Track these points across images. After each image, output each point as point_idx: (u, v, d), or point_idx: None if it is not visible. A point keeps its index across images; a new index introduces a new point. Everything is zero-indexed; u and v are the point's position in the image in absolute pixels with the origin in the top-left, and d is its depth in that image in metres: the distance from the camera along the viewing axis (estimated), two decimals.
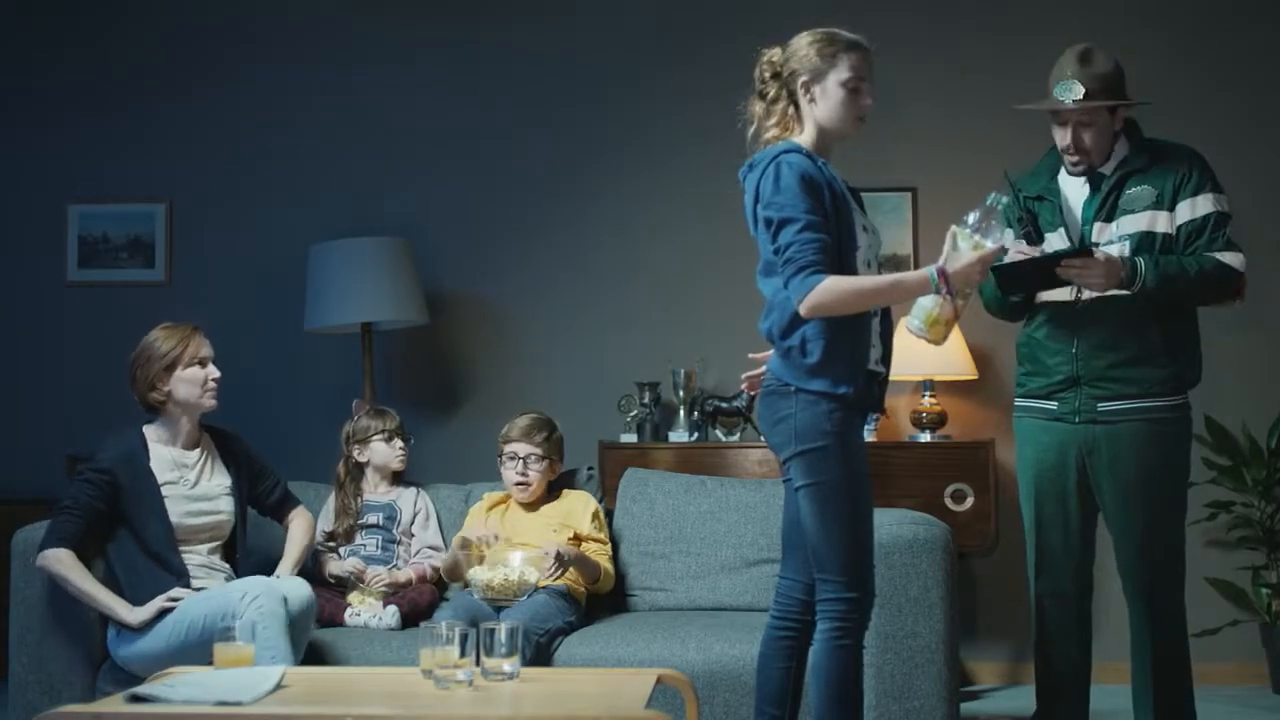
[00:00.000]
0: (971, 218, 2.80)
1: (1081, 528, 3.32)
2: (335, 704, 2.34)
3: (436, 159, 5.26)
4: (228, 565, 3.41)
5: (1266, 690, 4.64)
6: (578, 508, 3.73)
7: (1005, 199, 2.87)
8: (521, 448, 3.70)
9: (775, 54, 2.86)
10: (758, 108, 2.87)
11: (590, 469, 4.01)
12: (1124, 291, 3.15)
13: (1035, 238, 3.27)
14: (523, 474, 3.69)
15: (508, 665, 2.46)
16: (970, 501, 4.56)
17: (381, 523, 3.77)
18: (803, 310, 2.67)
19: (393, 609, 3.49)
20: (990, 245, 2.77)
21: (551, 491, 3.79)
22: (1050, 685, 3.36)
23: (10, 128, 5.40)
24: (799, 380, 2.70)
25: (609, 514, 3.87)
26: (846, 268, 2.72)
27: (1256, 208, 4.81)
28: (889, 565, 3.19)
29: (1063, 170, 3.33)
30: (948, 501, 4.54)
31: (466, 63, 5.27)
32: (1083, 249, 3.12)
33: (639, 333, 5.06)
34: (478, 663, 2.44)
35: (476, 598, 3.41)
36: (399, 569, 3.68)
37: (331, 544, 3.75)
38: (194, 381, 3.37)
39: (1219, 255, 3.17)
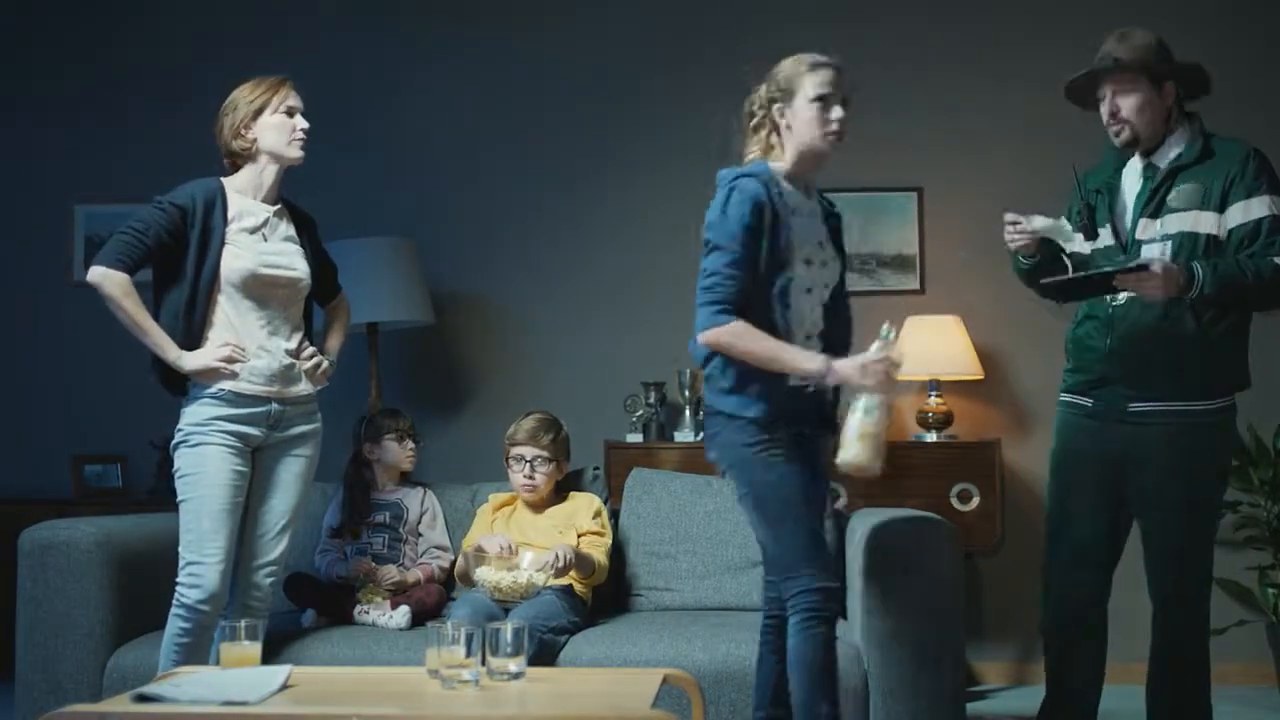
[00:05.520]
0: (875, 346, 2.80)
1: (1107, 529, 3.26)
2: (341, 704, 2.34)
3: (442, 159, 5.26)
4: (300, 336, 3.27)
5: (1273, 690, 4.63)
6: (582, 508, 3.74)
7: (894, 333, 2.83)
8: (528, 450, 3.70)
9: (761, 88, 2.94)
10: (747, 133, 2.97)
11: (596, 469, 4.02)
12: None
13: (1091, 232, 3.23)
14: (529, 476, 3.69)
15: (513, 665, 2.45)
16: (976, 501, 4.55)
17: (388, 521, 3.78)
18: (701, 340, 2.82)
19: (404, 609, 3.49)
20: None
21: (559, 493, 3.79)
22: (1059, 695, 3.34)
23: (17, 129, 5.41)
24: (716, 402, 2.86)
25: (614, 514, 3.87)
26: (772, 298, 2.80)
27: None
28: (895, 565, 3.19)
29: (1127, 164, 3.26)
30: (954, 501, 4.54)
31: (472, 63, 5.28)
32: (1139, 265, 3.01)
33: (645, 332, 5.07)
34: (484, 663, 2.44)
35: (484, 596, 3.44)
36: (406, 568, 3.69)
37: (337, 540, 3.76)
38: (281, 129, 3.19)
39: (1278, 260, 3.04)
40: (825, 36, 5.07)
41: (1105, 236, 3.23)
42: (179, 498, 3.12)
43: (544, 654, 3.21)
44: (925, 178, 5.04)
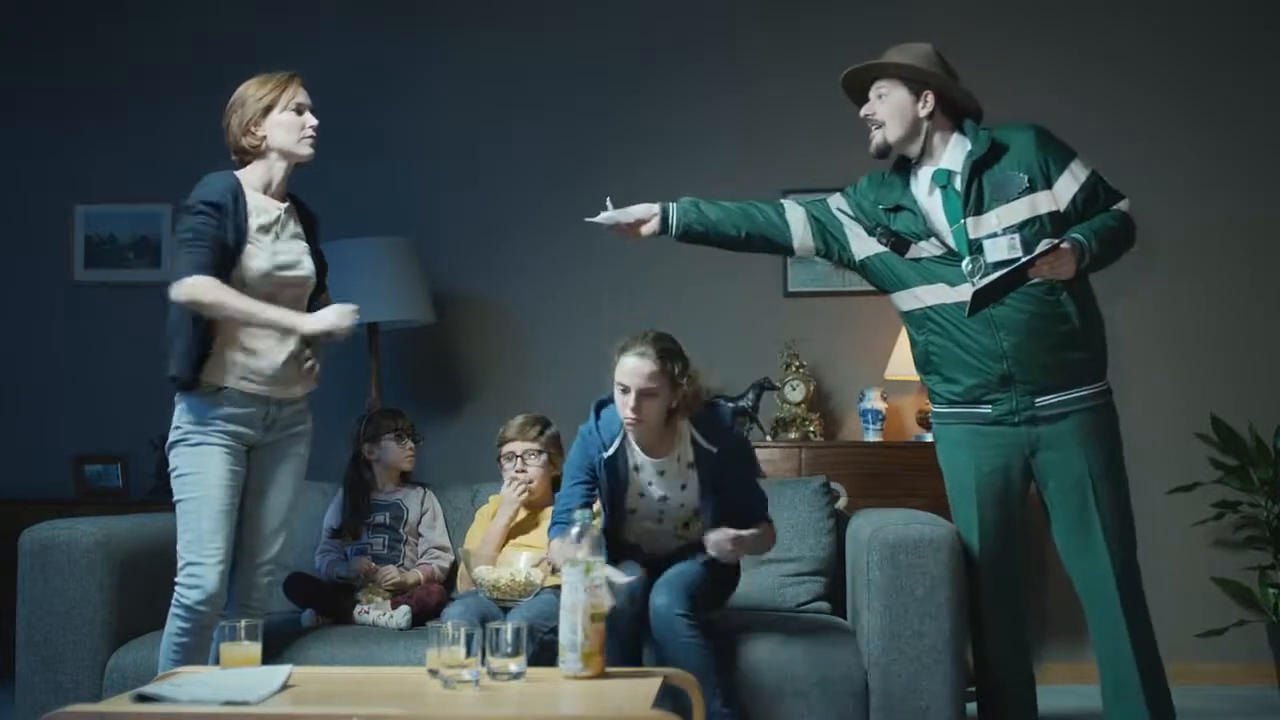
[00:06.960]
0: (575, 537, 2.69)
1: (1021, 532, 3.30)
2: (341, 704, 2.34)
3: (442, 159, 5.26)
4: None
5: (1273, 689, 4.63)
6: None
7: (591, 515, 2.78)
8: (518, 445, 3.72)
9: None
10: None
11: None
12: (1042, 279, 3.10)
13: (901, 246, 3.26)
14: (522, 470, 3.70)
15: (514, 665, 2.45)
16: None
17: (388, 522, 3.78)
18: None
19: (404, 609, 3.49)
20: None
21: (557, 493, 3.79)
22: (997, 696, 3.32)
23: (17, 129, 5.42)
24: None
25: None
26: (615, 523, 3.34)
27: (1266, 208, 4.81)
28: (895, 565, 3.19)
29: (913, 179, 3.30)
30: None
31: (472, 63, 5.28)
32: (1054, 246, 3.03)
33: None
34: (484, 662, 2.44)
35: (482, 596, 3.44)
36: (406, 569, 3.70)
37: (337, 540, 3.76)
38: (290, 127, 3.17)
39: (1119, 207, 3.20)
40: (824, 35, 5.10)
41: (932, 249, 3.22)
42: (176, 497, 3.11)
43: (544, 654, 3.21)
44: None
